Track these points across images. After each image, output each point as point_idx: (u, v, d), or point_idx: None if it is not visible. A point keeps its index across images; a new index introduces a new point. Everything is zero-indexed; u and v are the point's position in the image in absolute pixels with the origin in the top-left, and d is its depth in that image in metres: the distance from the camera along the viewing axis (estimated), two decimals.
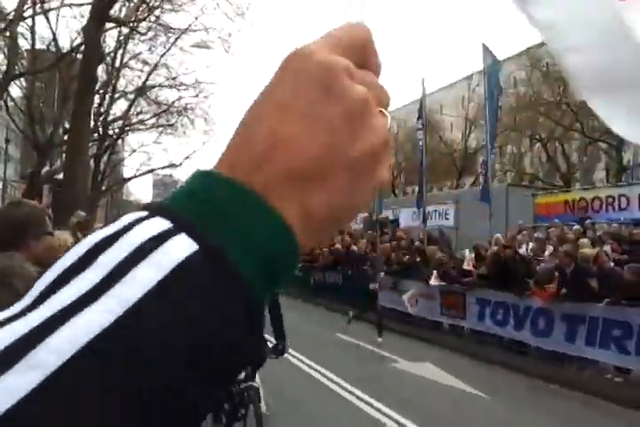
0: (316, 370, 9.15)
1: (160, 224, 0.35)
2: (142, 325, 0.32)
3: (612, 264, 9.57)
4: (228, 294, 0.35)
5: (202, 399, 0.34)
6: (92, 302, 0.32)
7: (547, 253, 11.49)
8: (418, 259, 14.64)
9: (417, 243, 15.53)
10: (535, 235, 12.68)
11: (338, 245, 19.05)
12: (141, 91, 29.91)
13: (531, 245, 11.89)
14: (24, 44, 24.76)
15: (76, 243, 0.38)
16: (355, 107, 0.40)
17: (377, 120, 0.42)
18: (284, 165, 0.38)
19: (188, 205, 0.37)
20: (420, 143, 16.51)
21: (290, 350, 10.50)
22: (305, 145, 0.39)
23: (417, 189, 20.76)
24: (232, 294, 0.35)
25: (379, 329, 11.59)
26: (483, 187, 14.08)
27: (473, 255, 12.54)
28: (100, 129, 30.30)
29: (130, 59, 28.79)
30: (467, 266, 12.39)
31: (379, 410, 7.20)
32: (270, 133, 0.39)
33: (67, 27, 45.11)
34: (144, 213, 0.37)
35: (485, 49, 15.15)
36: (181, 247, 0.34)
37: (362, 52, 0.44)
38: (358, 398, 7.69)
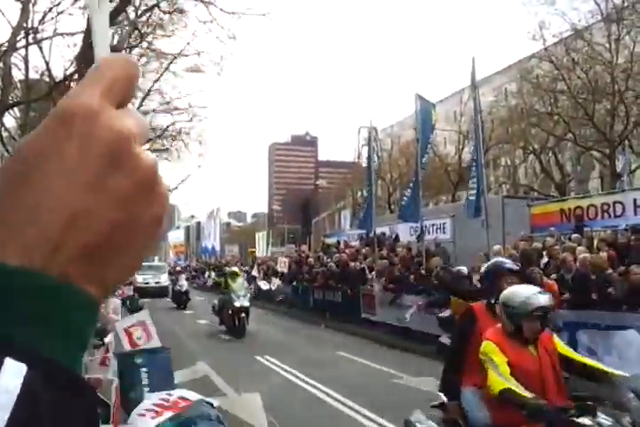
0: (319, 389, 9.08)
1: None
2: None
3: (611, 270, 9.56)
4: (65, 403, 0.37)
5: None
6: None
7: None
8: (420, 272, 14.64)
9: (417, 257, 15.54)
10: (534, 244, 12.69)
11: (332, 264, 19.06)
12: None
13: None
14: (17, 74, 24.90)
15: None
16: (145, 177, 0.41)
17: (163, 186, 0.43)
18: (80, 244, 0.38)
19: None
20: (423, 159, 16.50)
21: (292, 370, 10.49)
22: (99, 220, 0.38)
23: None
24: (69, 400, 0.37)
25: None
26: (469, 203, 13.97)
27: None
28: None
29: None
30: None
31: None
32: (63, 209, 0.37)
33: (60, 56, 45.34)
34: None
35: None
36: (13, 375, 0.34)
37: (128, 91, 0.44)
38: (364, 416, 7.63)
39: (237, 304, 15.46)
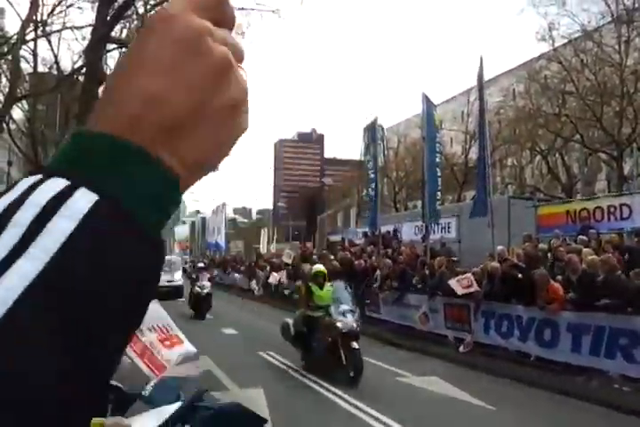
0: (323, 386, 9.09)
1: (58, 183, 0.39)
2: (67, 269, 0.37)
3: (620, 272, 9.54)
4: (128, 237, 0.40)
5: (117, 333, 0.40)
6: (19, 254, 0.36)
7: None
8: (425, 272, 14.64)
9: (421, 257, 15.52)
10: (539, 246, 12.68)
11: (335, 263, 18.99)
12: None
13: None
14: (26, 66, 24.97)
15: None
16: (218, 64, 0.45)
17: (238, 75, 0.47)
18: (155, 120, 0.43)
19: (79, 163, 0.41)
20: (438, 157, 16.55)
21: (295, 368, 10.48)
22: (173, 101, 0.43)
23: (418, 203, 20.77)
24: (132, 236, 0.40)
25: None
26: (475, 201, 14.00)
27: (467, 281, 12.07)
28: None
29: None
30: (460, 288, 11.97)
31: (389, 426, 7.15)
32: (140, 91, 0.43)
33: (68, 49, 45.58)
34: (38, 177, 0.40)
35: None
36: (84, 200, 0.39)
37: (218, 9, 0.48)
38: (367, 414, 7.63)
39: (341, 326, 9.38)
